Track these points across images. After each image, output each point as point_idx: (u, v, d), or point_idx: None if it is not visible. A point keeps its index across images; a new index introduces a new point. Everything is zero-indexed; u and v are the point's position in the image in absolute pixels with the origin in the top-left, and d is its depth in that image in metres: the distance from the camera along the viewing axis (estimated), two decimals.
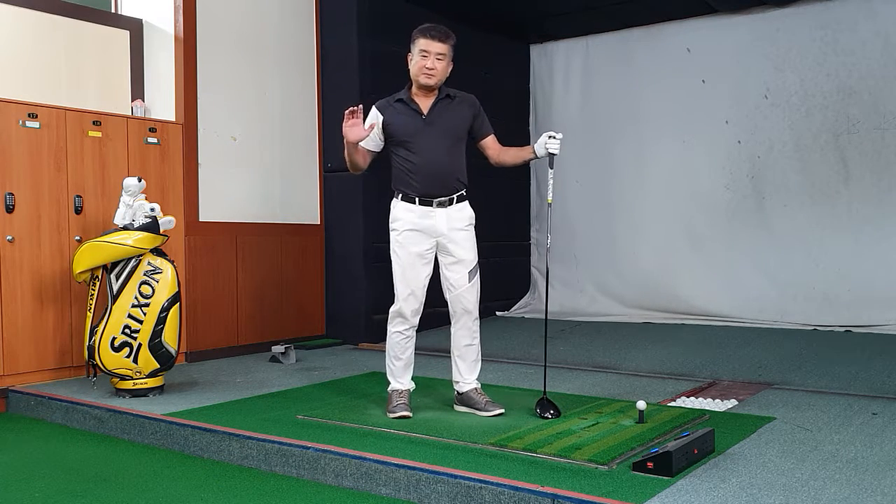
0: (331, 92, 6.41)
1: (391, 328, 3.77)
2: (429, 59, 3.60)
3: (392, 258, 3.73)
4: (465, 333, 3.75)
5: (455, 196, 3.70)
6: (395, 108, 3.70)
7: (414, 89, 3.71)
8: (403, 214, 3.68)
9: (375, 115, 3.73)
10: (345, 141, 3.58)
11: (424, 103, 3.69)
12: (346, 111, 3.53)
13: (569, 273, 7.74)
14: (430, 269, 3.72)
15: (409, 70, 3.70)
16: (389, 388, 3.82)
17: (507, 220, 7.82)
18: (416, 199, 3.65)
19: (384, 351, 6.16)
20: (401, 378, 3.80)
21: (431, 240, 3.68)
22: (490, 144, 3.83)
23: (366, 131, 3.60)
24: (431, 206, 3.65)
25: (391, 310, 3.75)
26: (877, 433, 3.33)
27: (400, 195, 3.71)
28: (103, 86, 5.53)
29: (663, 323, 6.97)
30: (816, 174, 6.58)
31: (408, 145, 3.66)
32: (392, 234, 3.73)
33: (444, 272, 3.74)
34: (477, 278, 3.74)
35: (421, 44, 3.62)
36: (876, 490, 2.61)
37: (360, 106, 3.56)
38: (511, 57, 7.96)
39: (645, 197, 7.38)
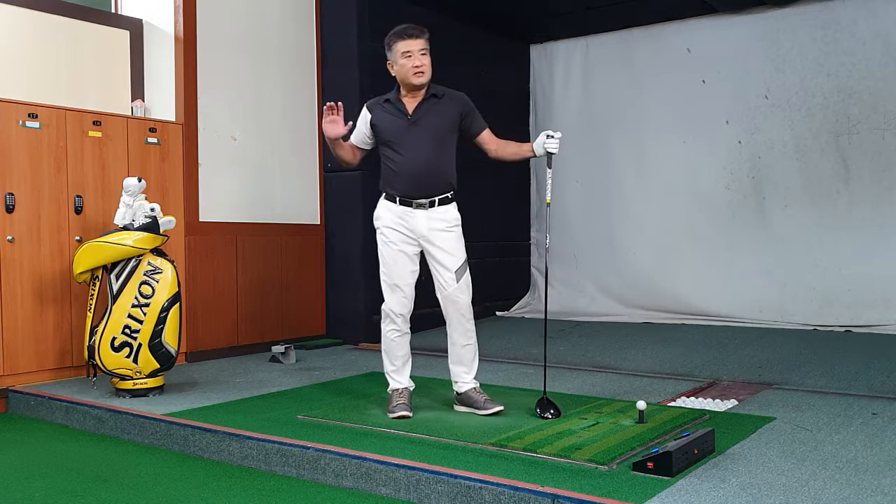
0: (331, 92, 6.39)
1: (384, 328, 3.80)
2: (413, 57, 3.60)
3: (379, 257, 3.77)
4: (460, 333, 3.74)
5: (438, 198, 3.67)
6: (383, 107, 3.74)
7: (403, 91, 3.71)
8: (384, 213, 3.73)
9: (364, 114, 3.78)
10: (325, 137, 3.68)
11: (411, 104, 3.70)
12: (325, 107, 3.61)
13: (569, 273, 7.74)
14: (415, 268, 3.73)
15: (393, 77, 3.71)
16: (389, 389, 3.82)
17: (507, 220, 7.82)
18: (397, 199, 3.68)
19: None
20: (399, 377, 3.80)
21: (412, 239, 3.68)
22: (487, 139, 3.79)
23: (344, 128, 3.65)
24: (411, 206, 3.67)
25: (381, 309, 3.79)
26: (877, 433, 3.33)
27: (384, 194, 3.75)
28: (103, 86, 5.52)
29: (663, 323, 6.97)
30: (816, 174, 6.58)
31: (392, 145, 3.68)
32: (377, 233, 3.77)
33: (433, 274, 3.74)
34: (466, 278, 3.70)
35: (401, 46, 3.62)
36: (876, 490, 2.61)
37: (340, 103, 3.63)
38: (511, 57, 7.96)
39: (645, 197, 7.38)
